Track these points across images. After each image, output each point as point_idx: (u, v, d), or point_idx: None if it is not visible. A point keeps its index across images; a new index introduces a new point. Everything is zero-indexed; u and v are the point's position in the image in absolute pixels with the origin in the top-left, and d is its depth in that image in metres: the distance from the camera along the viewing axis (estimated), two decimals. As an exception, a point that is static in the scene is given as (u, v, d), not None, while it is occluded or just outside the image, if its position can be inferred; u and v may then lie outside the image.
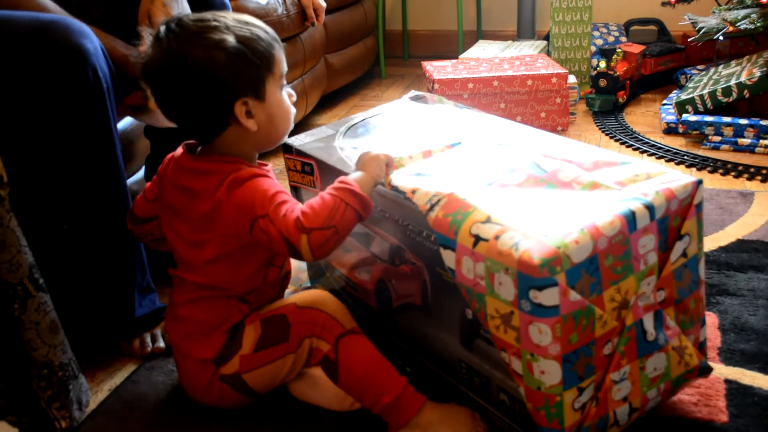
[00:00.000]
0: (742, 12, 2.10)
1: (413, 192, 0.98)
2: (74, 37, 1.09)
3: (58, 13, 1.18)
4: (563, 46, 2.74)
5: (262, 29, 1.00)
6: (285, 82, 1.04)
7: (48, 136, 1.11)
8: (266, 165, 1.07)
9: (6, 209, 0.95)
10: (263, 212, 0.96)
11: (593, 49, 2.84)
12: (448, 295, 0.99)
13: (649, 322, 0.92)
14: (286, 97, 1.04)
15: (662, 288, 0.93)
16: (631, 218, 0.87)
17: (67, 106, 1.10)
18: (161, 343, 1.26)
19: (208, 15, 0.99)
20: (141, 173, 1.59)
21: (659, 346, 0.94)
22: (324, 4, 2.33)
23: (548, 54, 2.80)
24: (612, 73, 2.45)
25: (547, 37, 2.95)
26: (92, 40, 1.12)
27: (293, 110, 1.06)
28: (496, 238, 0.86)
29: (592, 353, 0.88)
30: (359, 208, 0.96)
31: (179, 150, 1.07)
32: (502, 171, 1.01)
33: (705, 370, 1.01)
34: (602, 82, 2.47)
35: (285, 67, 1.03)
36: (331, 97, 2.83)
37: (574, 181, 0.96)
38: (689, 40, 2.41)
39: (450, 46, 3.35)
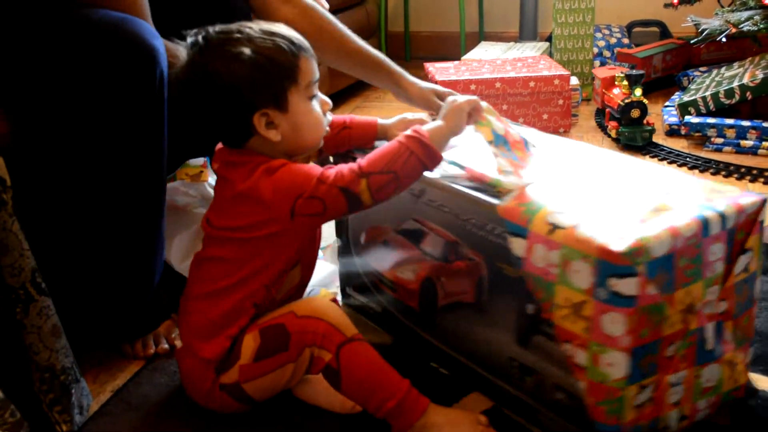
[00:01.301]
0: (745, 14, 2.10)
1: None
2: (147, 37, 1.10)
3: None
4: (566, 48, 2.74)
5: (287, 40, 1.00)
6: (315, 91, 1.04)
7: (104, 133, 1.11)
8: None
9: (9, 213, 0.95)
10: (308, 185, 0.97)
11: (595, 50, 2.84)
12: (505, 292, 1.00)
13: (710, 331, 0.94)
14: (316, 105, 1.04)
15: (724, 299, 0.95)
16: (705, 223, 0.90)
17: (131, 105, 1.10)
18: (165, 344, 1.26)
19: (233, 26, 1.00)
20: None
21: (715, 357, 0.96)
22: (327, 5, 2.33)
23: (550, 55, 2.80)
24: (645, 101, 2.14)
25: (549, 39, 2.95)
26: (161, 42, 1.13)
27: (325, 118, 1.06)
28: (575, 226, 0.88)
29: (657, 352, 0.89)
30: (425, 159, 0.98)
31: (220, 144, 1.09)
32: (578, 169, 1.05)
33: (750, 392, 1.03)
34: (635, 113, 2.14)
35: (314, 76, 1.03)
36: (333, 98, 2.81)
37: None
38: (692, 42, 2.40)
39: (452, 48, 3.35)
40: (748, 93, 2.13)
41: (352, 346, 1.02)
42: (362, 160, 0.98)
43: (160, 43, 1.12)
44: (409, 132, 0.99)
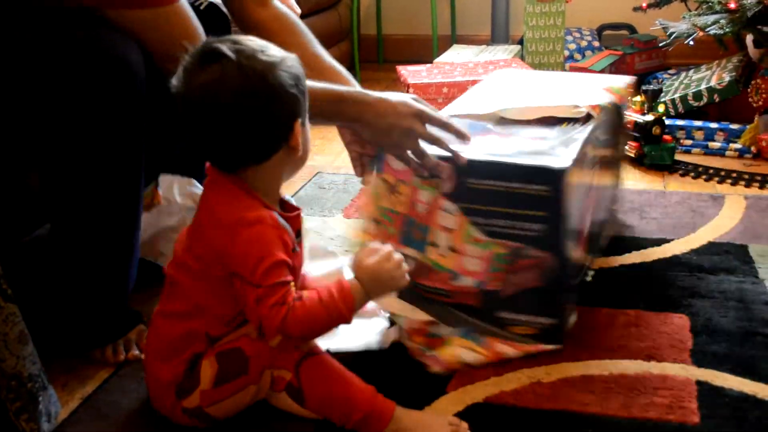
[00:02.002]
0: (712, 17, 2.13)
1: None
2: (120, 49, 1.10)
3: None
4: (537, 51, 2.76)
5: (294, 60, 1.00)
6: None
7: (80, 144, 1.10)
8: (295, 211, 1.05)
9: (-28, 218, 0.94)
10: (252, 278, 0.94)
11: (566, 53, 2.86)
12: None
13: None
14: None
15: None
16: None
17: (106, 118, 1.10)
18: (135, 351, 1.24)
19: (248, 40, 0.97)
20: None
21: None
22: (298, 10, 2.32)
23: (522, 58, 2.82)
24: (664, 117, 2.02)
25: (520, 42, 2.97)
26: (136, 52, 1.12)
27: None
28: None
29: None
30: (333, 328, 0.99)
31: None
32: None
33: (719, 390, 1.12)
34: (656, 130, 1.99)
35: None
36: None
37: None
38: (660, 45, 2.43)
39: (424, 51, 3.36)
40: (715, 95, 2.16)
41: (310, 362, 1.01)
42: (290, 318, 0.94)
43: (133, 53, 1.11)
44: (340, 304, 0.95)
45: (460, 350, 1.15)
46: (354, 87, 1.29)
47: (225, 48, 0.94)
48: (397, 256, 1.01)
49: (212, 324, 1.01)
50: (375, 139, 1.20)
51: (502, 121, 1.28)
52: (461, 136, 1.18)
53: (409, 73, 2.38)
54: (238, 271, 0.96)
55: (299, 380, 1.00)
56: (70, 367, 1.23)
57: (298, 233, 1.05)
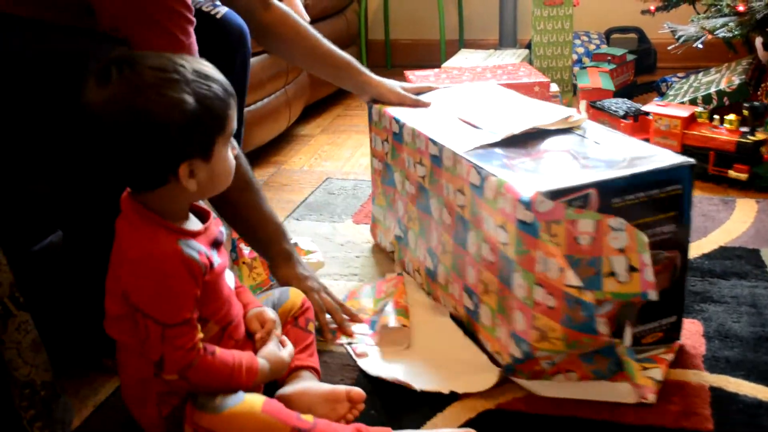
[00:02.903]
0: (720, 20, 2.12)
1: None
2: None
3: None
4: (545, 55, 2.76)
5: (221, 86, 0.94)
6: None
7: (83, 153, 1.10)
8: (209, 215, 1.03)
9: (-14, 227, 0.94)
10: (156, 315, 0.93)
11: (575, 57, 2.86)
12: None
13: None
14: (230, 153, 0.99)
15: None
16: None
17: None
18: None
19: (168, 63, 0.91)
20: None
21: None
22: (307, 18, 2.33)
23: (530, 62, 2.82)
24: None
25: (528, 46, 2.97)
26: None
27: (233, 165, 1.00)
28: None
29: None
30: (234, 383, 0.99)
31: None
32: None
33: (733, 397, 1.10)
34: (765, 149, 1.85)
35: (235, 125, 0.98)
36: (314, 107, 2.83)
37: None
38: (669, 48, 2.43)
39: (432, 55, 3.36)
40: (725, 98, 2.15)
41: None
42: (195, 366, 0.94)
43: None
44: (245, 374, 0.99)
45: (648, 372, 1.12)
46: (367, 76, 1.51)
47: (116, 69, 0.89)
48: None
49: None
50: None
51: (507, 142, 1.22)
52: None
53: (417, 77, 2.38)
54: (140, 307, 0.93)
55: None
56: (83, 375, 1.24)
57: (216, 242, 1.02)
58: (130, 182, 0.97)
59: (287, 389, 1.08)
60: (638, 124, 2.11)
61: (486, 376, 1.13)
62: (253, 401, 0.97)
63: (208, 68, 0.94)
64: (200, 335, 0.96)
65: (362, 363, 1.19)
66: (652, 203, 1.08)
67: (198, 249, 0.96)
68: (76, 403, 1.16)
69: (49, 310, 1.16)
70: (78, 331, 1.24)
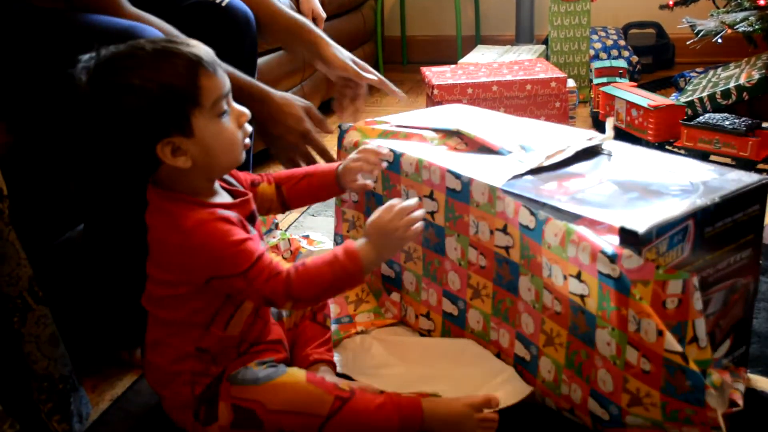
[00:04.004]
0: (740, 14, 2.10)
1: None
2: None
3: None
4: (562, 50, 2.74)
5: (183, 59, 0.91)
6: (226, 106, 0.96)
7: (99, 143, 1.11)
8: (244, 195, 1.03)
9: (5, 222, 0.95)
10: (230, 270, 0.93)
11: (592, 52, 2.84)
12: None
13: None
14: (228, 121, 0.96)
15: None
16: None
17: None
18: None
19: (125, 49, 0.92)
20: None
21: None
22: (324, 15, 2.34)
23: (547, 58, 2.81)
24: None
25: (545, 42, 2.95)
26: None
27: (240, 135, 0.98)
28: None
29: None
30: (347, 288, 0.99)
31: None
32: None
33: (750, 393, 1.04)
34: None
35: (221, 91, 0.94)
36: (330, 103, 2.83)
37: None
38: (687, 43, 2.41)
39: (449, 52, 3.36)
40: (744, 93, 2.13)
41: (333, 422, 0.98)
42: (295, 276, 0.94)
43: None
44: (345, 260, 0.95)
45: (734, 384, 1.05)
46: (318, 36, 1.43)
47: (81, 66, 0.92)
48: (410, 210, 0.97)
49: (201, 338, 1.01)
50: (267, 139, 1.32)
51: (538, 171, 1.11)
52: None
53: (434, 74, 2.37)
54: (212, 274, 0.95)
55: None
56: (100, 369, 1.25)
57: (252, 217, 1.03)
58: (133, 172, 0.99)
59: None
60: (760, 140, 1.89)
61: (519, 385, 1.08)
62: (296, 372, 1.00)
63: (173, 45, 0.93)
64: (277, 259, 0.96)
65: (385, 383, 1.13)
66: (736, 228, 0.99)
67: (233, 215, 0.97)
68: (93, 396, 1.17)
69: (67, 304, 1.17)
70: (95, 325, 1.25)
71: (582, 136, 1.20)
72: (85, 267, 1.20)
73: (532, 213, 1.00)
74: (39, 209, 1.15)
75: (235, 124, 0.97)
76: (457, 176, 1.13)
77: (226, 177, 1.06)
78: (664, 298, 0.89)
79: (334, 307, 1.29)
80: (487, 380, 1.10)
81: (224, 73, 0.96)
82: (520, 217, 1.03)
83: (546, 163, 1.11)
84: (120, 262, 1.21)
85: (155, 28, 1.15)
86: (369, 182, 1.16)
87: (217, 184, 1.02)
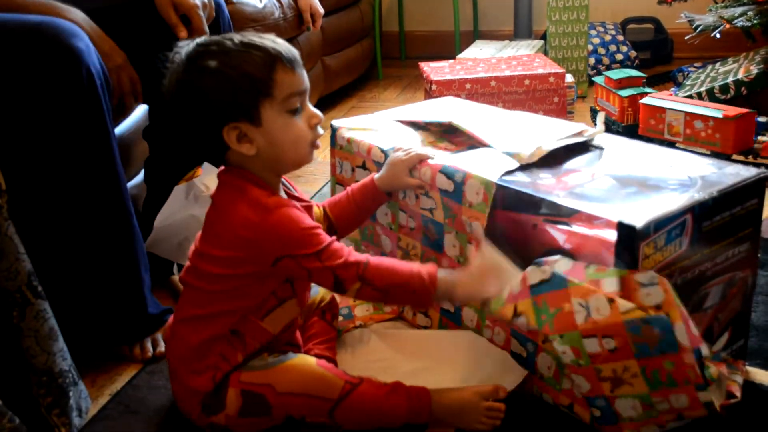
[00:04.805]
0: (739, 9, 2.10)
1: None
2: (65, 38, 1.09)
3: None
4: (560, 46, 2.74)
5: (262, 52, 0.96)
6: (299, 104, 1.00)
7: (44, 139, 1.11)
8: (305, 201, 1.06)
9: (4, 217, 0.95)
10: (303, 250, 0.96)
11: (590, 47, 2.84)
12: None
13: None
14: (299, 119, 1.00)
15: None
16: None
17: (62, 108, 1.10)
18: (162, 348, 1.25)
19: (216, 38, 0.99)
20: (140, 177, 1.59)
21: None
22: (321, 11, 2.34)
23: (545, 53, 2.81)
24: None
25: (544, 37, 2.95)
26: (83, 39, 1.12)
27: (310, 135, 1.01)
28: None
29: None
30: (417, 304, 1.02)
31: None
32: None
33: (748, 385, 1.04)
34: None
35: (296, 89, 0.98)
36: (328, 99, 2.83)
37: None
38: (686, 38, 2.41)
39: (447, 47, 3.36)
40: (743, 88, 2.13)
41: (343, 405, 1.00)
42: (372, 262, 0.98)
43: (80, 39, 1.11)
44: (427, 274, 0.98)
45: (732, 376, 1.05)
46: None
47: (181, 49, 0.99)
48: (503, 283, 0.99)
49: (236, 320, 1.02)
50: None
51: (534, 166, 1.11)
52: None
53: (432, 69, 2.37)
54: (286, 253, 0.97)
55: (335, 422, 1.00)
56: (99, 363, 1.25)
57: None
58: (202, 153, 1.06)
59: None
60: None
61: (518, 371, 1.09)
62: (306, 357, 1.03)
63: (258, 39, 0.98)
64: (349, 248, 1.00)
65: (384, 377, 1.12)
66: (734, 222, 0.99)
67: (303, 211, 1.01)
68: (92, 391, 1.17)
69: (66, 298, 1.17)
70: (95, 320, 1.25)
71: (573, 129, 1.19)
72: (88, 259, 1.20)
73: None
74: (37, 202, 1.15)
75: (306, 123, 1.01)
76: (450, 176, 1.13)
77: (288, 185, 1.09)
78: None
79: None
80: (485, 367, 1.11)
81: (304, 73, 1.00)
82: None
83: (533, 159, 1.11)
84: (123, 255, 1.21)
85: (69, 20, 1.15)
86: (425, 152, 1.18)
87: (282, 189, 1.05)
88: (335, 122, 1.38)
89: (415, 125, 1.34)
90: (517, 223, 1.04)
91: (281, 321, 1.05)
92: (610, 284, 0.90)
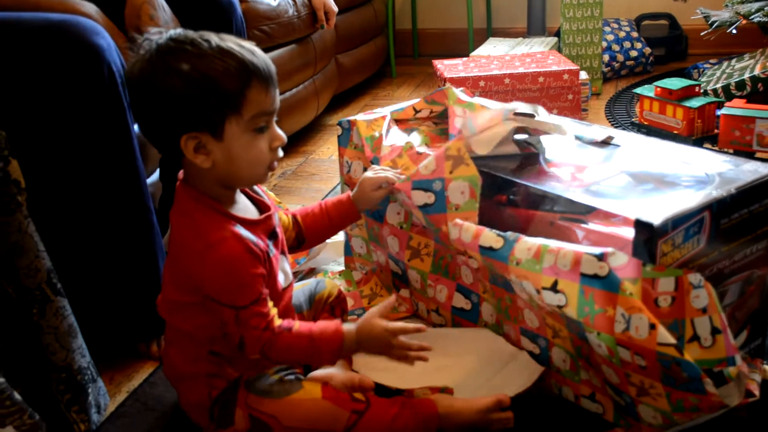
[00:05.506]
0: (756, 5, 2.09)
1: None
2: (87, 35, 1.10)
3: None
4: (574, 42, 2.73)
5: (239, 63, 0.90)
6: (265, 124, 0.94)
7: (65, 136, 1.12)
8: (267, 211, 1.02)
9: (24, 215, 0.96)
10: (223, 299, 0.93)
11: (604, 44, 2.83)
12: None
13: None
14: (262, 140, 0.94)
15: None
16: None
17: (83, 105, 1.11)
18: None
19: (192, 36, 0.92)
20: (156, 175, 1.59)
21: None
22: (335, 9, 2.34)
23: (559, 50, 2.79)
24: None
25: (557, 34, 2.94)
26: (105, 37, 1.13)
27: (270, 156, 0.96)
28: None
29: None
30: (315, 360, 1.02)
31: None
32: None
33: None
34: None
35: (266, 108, 0.93)
36: (342, 96, 2.83)
37: None
38: (702, 34, 2.39)
39: (460, 45, 3.35)
40: (759, 84, 2.11)
41: None
42: (278, 344, 0.95)
43: (102, 37, 1.12)
44: (325, 339, 0.97)
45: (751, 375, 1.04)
46: None
47: (148, 41, 0.93)
48: (409, 332, 0.98)
49: (214, 342, 1.01)
50: None
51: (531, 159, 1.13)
52: None
53: (446, 67, 2.37)
54: (211, 295, 0.94)
55: None
56: (116, 361, 1.26)
57: (274, 233, 1.02)
58: (160, 150, 1.01)
59: (317, 373, 1.09)
60: None
61: (534, 368, 1.09)
62: (313, 387, 1.00)
63: (237, 47, 0.91)
64: (273, 311, 0.97)
65: (388, 378, 1.13)
66: (752, 219, 0.98)
67: (252, 238, 0.96)
68: (110, 388, 1.18)
69: (86, 295, 1.18)
70: (113, 317, 1.26)
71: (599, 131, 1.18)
72: (107, 256, 1.21)
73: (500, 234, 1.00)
74: (58, 201, 1.16)
75: (268, 144, 0.96)
76: (426, 188, 1.11)
77: (253, 188, 1.05)
78: (656, 296, 0.88)
79: (348, 301, 1.30)
80: (501, 367, 1.11)
81: (277, 92, 0.95)
82: (481, 240, 1.01)
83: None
84: (142, 252, 1.22)
85: (82, 14, 1.15)
86: (391, 175, 1.15)
87: (240, 194, 1.01)
88: (343, 121, 1.36)
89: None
90: (533, 220, 1.04)
91: None
92: (666, 284, 0.88)
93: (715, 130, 2.05)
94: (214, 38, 0.92)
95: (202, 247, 0.92)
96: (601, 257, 0.89)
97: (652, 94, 2.15)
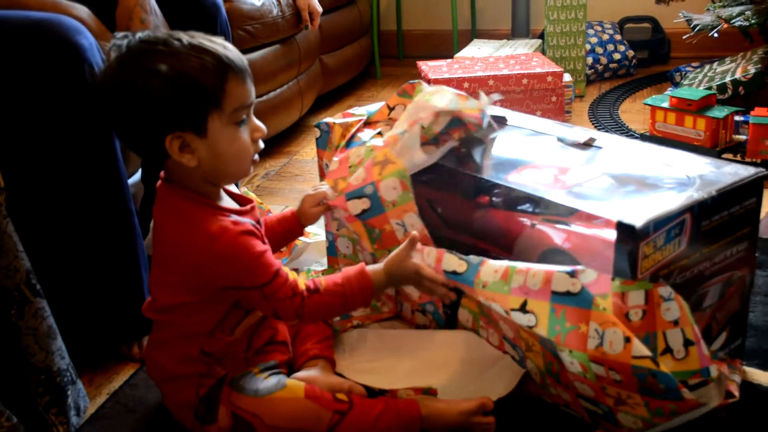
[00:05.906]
0: (737, 9, 2.11)
1: None
2: (69, 34, 1.09)
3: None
4: (558, 45, 2.74)
5: (215, 59, 0.90)
6: (245, 117, 0.95)
7: (46, 135, 1.11)
8: (249, 202, 1.04)
9: (3, 215, 0.95)
10: (249, 282, 0.95)
11: (588, 47, 2.84)
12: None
13: None
14: (244, 132, 0.96)
15: None
16: None
17: (64, 104, 1.10)
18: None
19: (162, 36, 0.92)
20: (138, 176, 1.58)
21: None
22: (320, 9, 2.33)
23: (543, 53, 2.81)
24: None
25: (541, 36, 2.95)
26: (87, 36, 1.12)
27: (252, 148, 0.98)
28: None
29: None
30: (351, 308, 1.03)
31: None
32: None
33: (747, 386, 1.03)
34: None
35: (245, 101, 0.94)
36: (326, 97, 2.83)
37: None
38: (684, 37, 2.41)
39: (445, 46, 3.36)
40: (740, 88, 2.14)
41: None
42: (310, 302, 0.98)
43: (84, 36, 1.11)
44: (357, 286, 1.01)
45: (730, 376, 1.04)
46: None
47: (113, 44, 0.92)
48: (433, 272, 1.03)
49: (201, 342, 1.01)
50: None
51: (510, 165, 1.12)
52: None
53: (430, 68, 2.37)
54: (230, 284, 0.96)
55: None
56: (97, 363, 1.25)
57: (260, 223, 1.04)
58: (142, 155, 1.02)
59: (300, 374, 1.08)
60: None
61: (517, 370, 1.09)
62: (295, 387, 1.01)
63: (209, 43, 0.92)
64: (293, 275, 0.99)
65: (372, 379, 1.12)
66: (732, 221, 0.98)
67: (247, 220, 0.98)
68: (90, 390, 1.17)
69: (65, 296, 1.16)
70: (94, 319, 1.25)
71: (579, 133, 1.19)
72: (88, 257, 1.20)
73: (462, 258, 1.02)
74: (38, 201, 1.15)
75: (249, 136, 0.97)
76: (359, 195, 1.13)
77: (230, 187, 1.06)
78: (627, 310, 0.89)
79: None
80: (484, 370, 1.11)
81: (252, 84, 0.95)
82: (444, 264, 1.03)
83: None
84: (124, 252, 1.21)
85: (73, 16, 1.14)
86: (326, 190, 1.17)
87: (222, 191, 1.02)
88: (321, 123, 1.32)
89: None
90: (514, 222, 1.04)
91: (247, 327, 1.05)
92: (636, 297, 0.89)
93: (735, 138, 1.97)
94: (185, 36, 0.92)
95: (206, 242, 0.93)
96: (572, 274, 0.90)
97: (666, 105, 2.03)
